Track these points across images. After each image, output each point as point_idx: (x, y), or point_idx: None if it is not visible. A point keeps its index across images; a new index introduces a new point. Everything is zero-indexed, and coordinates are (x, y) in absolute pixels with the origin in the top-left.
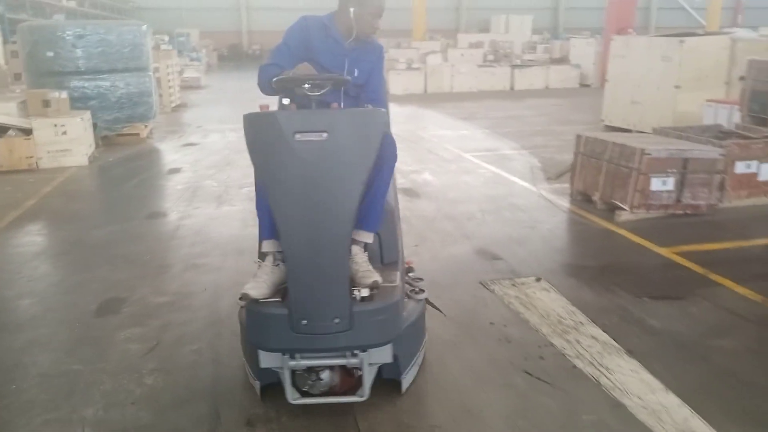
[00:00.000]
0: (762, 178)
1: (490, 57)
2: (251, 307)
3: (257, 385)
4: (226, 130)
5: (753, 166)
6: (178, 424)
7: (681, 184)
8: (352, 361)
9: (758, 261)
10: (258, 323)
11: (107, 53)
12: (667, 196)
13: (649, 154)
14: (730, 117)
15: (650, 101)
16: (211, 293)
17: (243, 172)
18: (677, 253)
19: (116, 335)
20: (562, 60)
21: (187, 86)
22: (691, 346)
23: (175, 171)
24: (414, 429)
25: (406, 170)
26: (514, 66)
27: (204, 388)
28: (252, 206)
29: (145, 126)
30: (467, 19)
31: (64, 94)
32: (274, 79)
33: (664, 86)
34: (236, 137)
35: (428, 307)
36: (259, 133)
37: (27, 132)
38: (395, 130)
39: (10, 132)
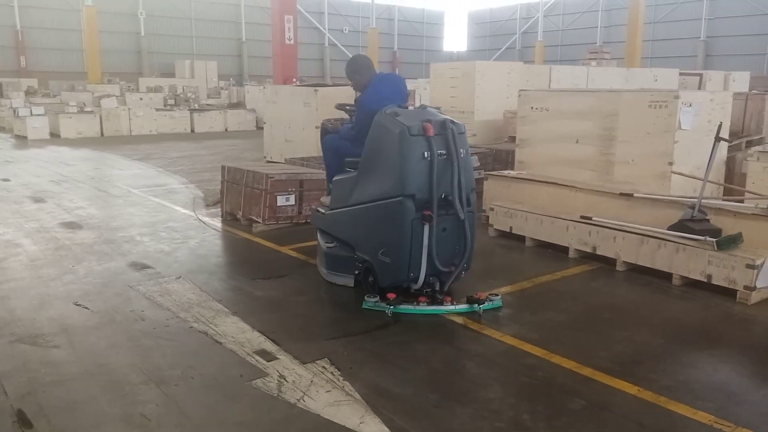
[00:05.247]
0: None
1: (170, 101)
2: None
3: None
4: None
5: None
6: None
7: (300, 200)
8: None
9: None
10: None
11: None
12: (290, 209)
13: (272, 177)
14: None
15: (299, 139)
16: None
17: None
18: (292, 249)
19: None
20: (239, 105)
21: None
22: (279, 302)
23: None
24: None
25: (71, 206)
26: (193, 110)
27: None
28: None
29: None
30: (150, 62)
31: None
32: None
33: (308, 126)
34: None
35: (80, 306)
36: None
37: None
38: (66, 171)
39: None
